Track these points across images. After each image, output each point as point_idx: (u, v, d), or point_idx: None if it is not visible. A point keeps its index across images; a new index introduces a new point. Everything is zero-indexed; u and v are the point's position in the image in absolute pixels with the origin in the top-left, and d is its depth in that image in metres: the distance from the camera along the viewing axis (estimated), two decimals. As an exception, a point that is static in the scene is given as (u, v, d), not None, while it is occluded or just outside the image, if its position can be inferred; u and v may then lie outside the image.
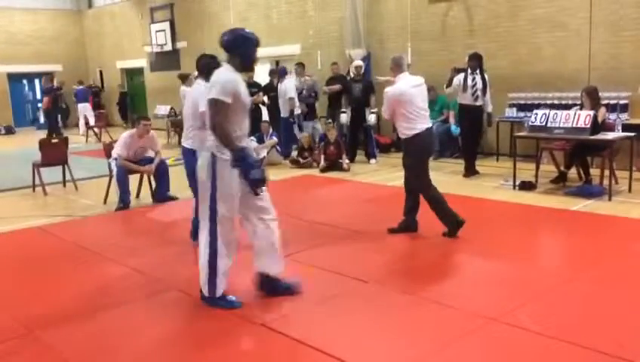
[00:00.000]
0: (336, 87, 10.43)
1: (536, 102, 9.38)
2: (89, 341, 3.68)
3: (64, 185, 8.92)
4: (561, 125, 6.98)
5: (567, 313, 3.76)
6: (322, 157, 9.60)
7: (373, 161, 10.17)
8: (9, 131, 19.28)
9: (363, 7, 11.69)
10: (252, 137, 10.43)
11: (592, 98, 7.27)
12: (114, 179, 7.36)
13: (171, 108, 15.14)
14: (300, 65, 11.33)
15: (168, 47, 17.20)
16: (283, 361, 3.40)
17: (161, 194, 7.61)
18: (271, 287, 4.15)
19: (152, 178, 7.75)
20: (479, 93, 8.28)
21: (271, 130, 10.37)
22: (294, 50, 13.26)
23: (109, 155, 7.64)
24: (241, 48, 3.91)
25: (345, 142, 9.98)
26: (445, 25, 10.72)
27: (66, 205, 7.83)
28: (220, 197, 3.81)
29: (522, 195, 7.15)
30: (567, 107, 8.27)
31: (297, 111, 10.70)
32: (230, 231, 3.92)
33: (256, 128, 9.72)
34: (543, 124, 7.15)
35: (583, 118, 6.83)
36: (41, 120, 18.98)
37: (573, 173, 7.67)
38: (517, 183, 7.49)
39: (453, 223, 5.41)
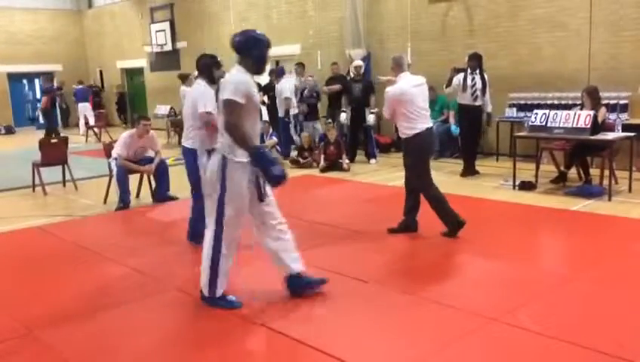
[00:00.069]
0: (336, 87, 10.42)
1: (536, 102, 9.38)
2: (89, 341, 3.68)
3: (64, 185, 8.92)
4: (561, 125, 6.98)
5: (567, 313, 3.76)
6: (322, 157, 9.60)
7: (373, 160, 10.17)
8: (9, 131, 19.28)
9: (363, 7, 11.69)
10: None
11: (593, 98, 7.27)
12: (114, 179, 7.36)
13: (171, 108, 15.15)
14: (300, 65, 11.33)
15: (168, 47, 17.20)
16: (283, 361, 3.40)
17: (161, 194, 7.61)
18: (303, 284, 4.13)
19: (152, 178, 7.74)
20: (479, 93, 8.28)
21: (271, 130, 10.38)
22: (294, 50, 13.26)
23: (108, 155, 7.64)
24: (252, 50, 3.93)
25: (345, 142, 9.97)
26: (445, 25, 10.72)
27: (66, 205, 7.83)
28: (229, 199, 3.81)
29: (522, 195, 7.15)
30: (567, 107, 8.28)
31: (294, 111, 10.70)
32: (235, 230, 3.91)
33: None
34: (543, 124, 7.15)
35: (583, 118, 6.83)
36: (41, 120, 18.97)
37: (573, 173, 7.67)
38: (517, 183, 7.49)
39: (453, 223, 5.41)
